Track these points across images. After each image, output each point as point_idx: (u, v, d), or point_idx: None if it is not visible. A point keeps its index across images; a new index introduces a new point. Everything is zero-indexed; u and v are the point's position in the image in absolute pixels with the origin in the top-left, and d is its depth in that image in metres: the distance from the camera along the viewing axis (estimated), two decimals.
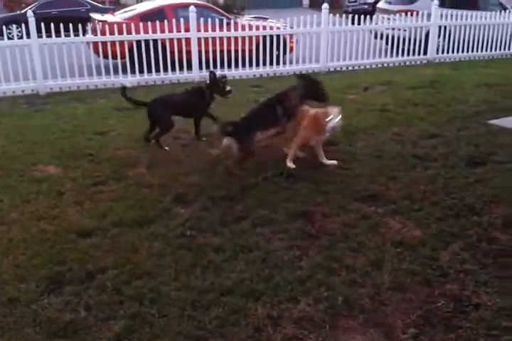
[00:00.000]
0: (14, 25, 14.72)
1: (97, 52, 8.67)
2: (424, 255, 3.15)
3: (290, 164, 4.51)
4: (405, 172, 4.43)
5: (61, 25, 7.97)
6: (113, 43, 8.49)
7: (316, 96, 4.71)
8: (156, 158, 4.86)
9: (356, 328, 2.54)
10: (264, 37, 9.38)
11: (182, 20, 8.73)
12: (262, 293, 2.77)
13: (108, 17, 10.73)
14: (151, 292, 2.78)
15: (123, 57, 8.58)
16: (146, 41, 8.56)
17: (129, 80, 8.58)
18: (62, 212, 3.76)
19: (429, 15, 10.52)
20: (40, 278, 2.93)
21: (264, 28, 9.54)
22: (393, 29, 10.54)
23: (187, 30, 8.81)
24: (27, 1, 22.04)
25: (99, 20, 9.72)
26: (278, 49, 9.51)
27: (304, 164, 4.63)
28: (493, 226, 3.50)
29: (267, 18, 11.65)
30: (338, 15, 10.13)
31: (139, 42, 8.56)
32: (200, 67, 8.98)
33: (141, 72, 8.70)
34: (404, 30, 10.43)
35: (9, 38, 10.13)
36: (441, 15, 10.63)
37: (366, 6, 20.96)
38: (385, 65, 10.41)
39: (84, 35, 8.59)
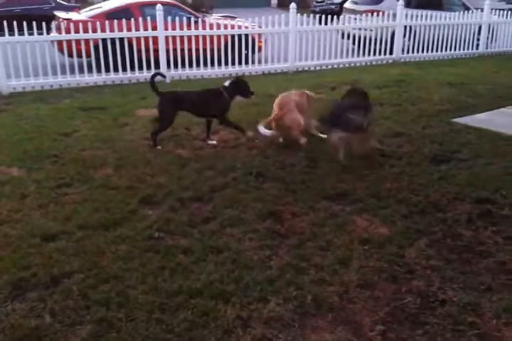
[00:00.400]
0: None
1: (61, 50, 8.48)
2: (391, 252, 3.20)
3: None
4: (372, 171, 4.49)
5: (24, 23, 7.77)
6: (78, 42, 8.32)
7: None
8: (123, 158, 4.79)
9: (325, 327, 2.56)
10: (233, 36, 9.36)
11: (149, 18, 8.63)
12: (231, 294, 2.76)
13: (73, 15, 10.52)
14: (118, 296, 2.73)
15: (88, 55, 8.42)
16: (112, 40, 8.42)
17: (95, 79, 8.46)
18: (25, 216, 3.67)
19: (394, 16, 10.69)
20: (3, 283, 2.84)
21: (233, 27, 9.52)
22: (360, 29, 10.68)
23: (154, 28, 8.72)
24: None
25: (64, 19, 9.53)
26: (247, 48, 9.51)
27: (273, 163, 4.65)
28: (458, 223, 3.58)
29: (236, 17, 11.63)
30: (305, 15, 10.18)
31: (104, 40, 8.42)
32: (168, 66, 8.90)
33: (108, 71, 8.56)
34: (371, 30, 10.58)
35: None
36: (407, 16, 10.82)
37: (333, 6, 21.13)
38: (352, 64, 10.53)
39: (48, 33, 8.40)
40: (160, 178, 4.31)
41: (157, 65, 8.80)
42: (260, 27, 9.66)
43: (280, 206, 3.81)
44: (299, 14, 9.72)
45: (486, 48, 12.01)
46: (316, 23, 10.01)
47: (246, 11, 17.89)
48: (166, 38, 8.80)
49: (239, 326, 2.53)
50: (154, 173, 4.42)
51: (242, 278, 2.90)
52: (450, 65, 10.38)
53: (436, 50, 11.29)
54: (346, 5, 13.80)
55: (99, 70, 8.47)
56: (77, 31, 8.24)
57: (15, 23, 7.60)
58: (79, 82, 8.37)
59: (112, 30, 8.38)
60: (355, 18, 10.66)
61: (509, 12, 11.94)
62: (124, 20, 8.47)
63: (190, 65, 9.08)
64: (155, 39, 8.73)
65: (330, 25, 10.05)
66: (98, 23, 8.36)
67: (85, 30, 8.25)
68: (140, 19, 8.71)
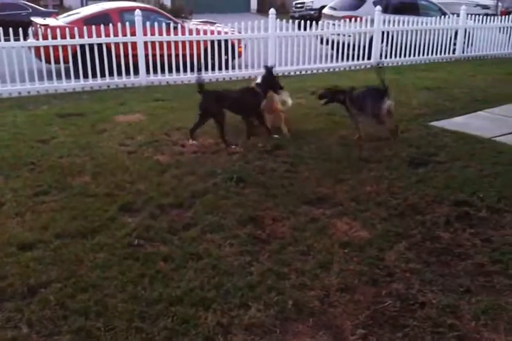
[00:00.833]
0: None
1: (39, 56, 8.37)
2: (371, 255, 3.22)
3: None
4: (352, 175, 4.52)
5: (0, 29, 7.65)
6: (56, 48, 8.23)
7: None
8: (102, 165, 4.74)
9: (306, 332, 2.56)
10: (212, 41, 9.36)
11: (128, 24, 8.58)
12: (212, 300, 2.74)
13: (50, 21, 10.39)
14: (96, 305, 2.69)
15: (66, 61, 8.33)
16: (91, 45, 8.35)
17: (73, 86, 8.37)
18: (1, 224, 3.59)
19: (372, 21, 10.82)
20: None
21: (212, 32, 9.52)
22: (338, 35, 10.76)
23: (133, 34, 8.67)
24: None
25: (41, 24, 9.41)
26: (226, 54, 9.51)
27: (254, 168, 4.65)
28: (436, 225, 3.63)
29: (215, 23, 11.63)
30: (285, 20, 10.24)
31: (82, 46, 8.34)
32: (148, 72, 8.86)
33: (86, 76, 8.48)
34: (349, 36, 10.67)
35: None
36: (384, 21, 10.95)
37: (312, 12, 21.25)
38: (331, 69, 10.61)
39: (25, 39, 8.28)
40: (139, 185, 4.27)
41: (136, 71, 8.75)
42: (240, 32, 9.68)
43: (261, 211, 3.81)
44: (278, 20, 9.78)
45: (463, 53, 12.20)
46: (295, 29, 10.07)
47: (225, 16, 17.92)
48: (145, 43, 8.76)
49: (220, 333, 2.52)
50: (133, 180, 4.38)
51: (222, 284, 2.89)
52: (427, 69, 10.53)
53: (414, 55, 11.45)
54: (325, 11, 13.91)
55: (77, 76, 8.38)
56: (54, 37, 8.15)
57: None
58: (57, 88, 8.27)
59: (90, 35, 8.31)
60: (334, 24, 10.75)
61: (485, 17, 12.18)
62: (102, 26, 8.40)
63: (170, 71, 9.06)
64: (134, 44, 8.69)
65: (309, 30, 10.12)
66: (76, 28, 8.29)
67: (63, 36, 8.17)
68: (119, 25, 8.65)
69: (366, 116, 5.34)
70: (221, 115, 5.20)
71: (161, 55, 8.90)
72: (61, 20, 10.52)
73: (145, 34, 8.72)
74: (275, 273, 3.01)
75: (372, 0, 12.28)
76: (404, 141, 5.48)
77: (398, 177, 4.48)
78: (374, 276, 3.01)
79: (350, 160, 4.87)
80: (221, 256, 3.20)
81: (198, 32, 9.24)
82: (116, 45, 8.59)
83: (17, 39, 7.97)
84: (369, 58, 10.94)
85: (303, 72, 10.24)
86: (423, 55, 11.55)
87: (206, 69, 9.31)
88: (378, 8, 10.82)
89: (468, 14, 12.00)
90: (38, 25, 9.27)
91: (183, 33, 9.18)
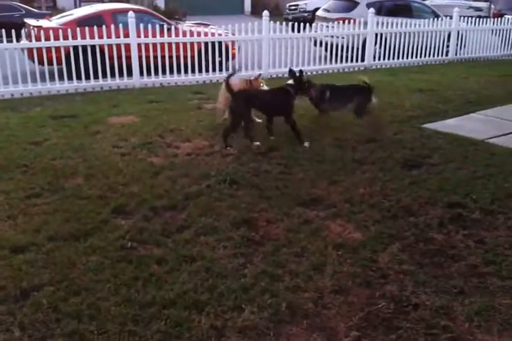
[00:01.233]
0: None
1: (32, 58, 8.33)
2: (365, 257, 3.22)
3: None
4: (345, 176, 4.52)
5: None
6: (49, 49, 8.19)
7: None
8: (95, 167, 4.72)
9: (300, 334, 2.56)
10: (206, 43, 9.36)
11: (121, 25, 8.56)
12: (205, 303, 2.73)
13: (44, 22, 10.36)
14: (89, 308, 2.68)
15: (59, 63, 8.30)
16: (84, 47, 8.33)
17: (66, 87, 8.33)
18: None
19: (366, 23, 10.85)
20: None
21: (206, 34, 9.51)
22: (332, 37, 10.78)
23: (126, 35, 8.65)
24: None
25: (34, 26, 9.37)
26: (220, 55, 9.51)
27: (248, 170, 4.64)
28: (430, 227, 3.64)
29: (209, 25, 11.62)
30: (278, 22, 10.25)
31: (76, 48, 8.31)
32: (141, 74, 8.84)
33: (79, 78, 8.45)
34: (343, 38, 10.70)
35: None
36: (378, 23, 10.99)
37: (306, 14, 21.31)
38: (325, 71, 10.62)
39: (18, 41, 8.24)
40: (132, 187, 4.25)
41: (129, 72, 8.73)
42: (234, 34, 9.68)
43: (255, 213, 3.81)
44: (272, 22, 9.79)
45: (456, 55, 12.26)
46: (289, 31, 10.08)
47: (219, 18, 17.89)
48: (139, 45, 8.74)
49: (213, 336, 2.51)
50: (127, 182, 4.36)
51: (216, 286, 2.88)
52: (420, 71, 10.57)
53: (407, 57, 11.48)
54: (318, 13, 13.94)
55: (70, 78, 8.35)
56: (47, 38, 8.11)
57: None
58: (50, 89, 8.22)
59: (83, 37, 8.28)
60: (328, 26, 10.77)
61: (477, 19, 12.25)
62: (95, 28, 8.38)
63: (164, 72, 9.04)
64: (127, 46, 8.67)
65: (303, 32, 10.13)
66: (69, 30, 8.26)
67: (56, 38, 8.14)
68: (112, 26, 8.63)
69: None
70: (248, 115, 5.21)
71: (155, 57, 8.87)
72: (54, 21, 10.48)
73: (138, 36, 8.70)
74: (269, 275, 3.01)
75: (365, 2, 12.30)
76: (397, 142, 5.50)
77: (392, 179, 4.49)
78: (367, 278, 3.01)
79: (344, 162, 4.88)
80: (215, 258, 3.19)
81: (191, 34, 9.23)
82: (110, 46, 8.55)
83: (10, 41, 7.93)
84: (362, 60, 10.97)
85: None
86: (416, 57, 11.59)
87: (200, 71, 9.30)
88: (372, 10, 10.85)
89: (461, 16, 12.07)
90: (31, 27, 9.23)
91: (177, 35, 9.17)
